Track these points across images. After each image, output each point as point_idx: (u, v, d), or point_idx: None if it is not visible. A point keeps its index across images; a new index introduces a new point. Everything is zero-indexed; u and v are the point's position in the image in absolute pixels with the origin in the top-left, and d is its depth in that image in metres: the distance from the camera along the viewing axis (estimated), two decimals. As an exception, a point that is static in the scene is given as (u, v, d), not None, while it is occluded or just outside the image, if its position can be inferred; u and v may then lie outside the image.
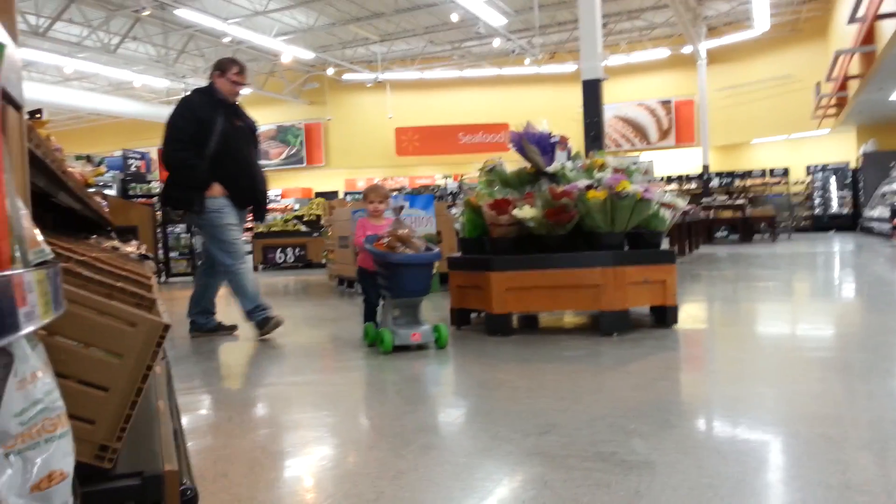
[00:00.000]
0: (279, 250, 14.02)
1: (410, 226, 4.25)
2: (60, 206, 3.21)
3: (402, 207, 4.62)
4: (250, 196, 4.97)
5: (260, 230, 14.71)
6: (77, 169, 3.98)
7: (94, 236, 4.55)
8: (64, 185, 2.60)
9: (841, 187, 21.29)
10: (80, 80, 23.23)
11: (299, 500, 1.89)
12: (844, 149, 21.56)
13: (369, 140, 25.83)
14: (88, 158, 9.21)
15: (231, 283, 4.88)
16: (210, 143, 4.73)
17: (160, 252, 11.39)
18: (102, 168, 7.64)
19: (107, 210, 5.34)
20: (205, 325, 5.01)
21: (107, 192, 10.14)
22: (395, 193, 8.81)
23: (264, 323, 4.78)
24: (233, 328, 5.08)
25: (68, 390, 0.98)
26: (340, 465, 2.16)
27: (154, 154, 27.25)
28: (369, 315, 4.49)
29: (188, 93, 5.12)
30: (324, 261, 11.06)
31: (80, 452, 0.93)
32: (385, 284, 4.09)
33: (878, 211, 15.82)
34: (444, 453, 2.19)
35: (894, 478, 1.82)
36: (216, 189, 4.74)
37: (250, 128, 5.07)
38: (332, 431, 2.54)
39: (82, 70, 20.76)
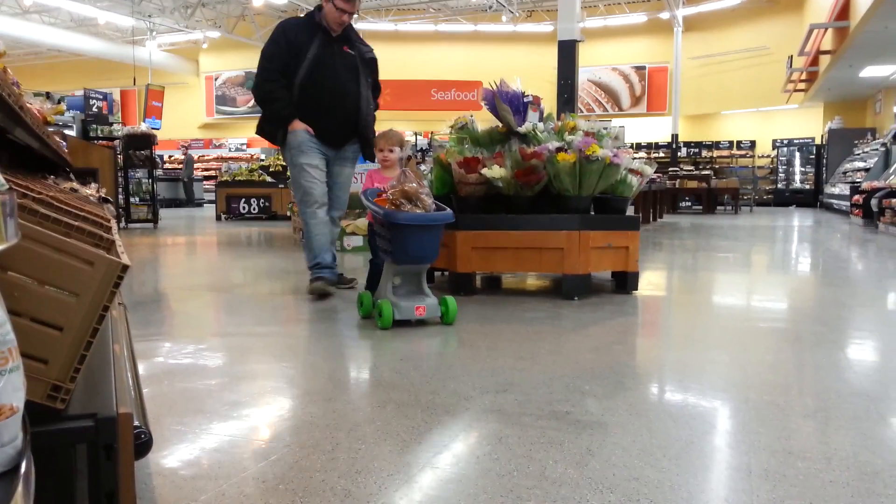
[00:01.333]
0: (243, 200, 13.86)
1: (419, 180, 3.62)
2: (16, 144, 3.11)
3: (409, 158, 4.03)
4: (345, 131, 4.53)
5: (224, 179, 14.49)
6: (35, 105, 3.86)
7: (52, 177, 4.43)
8: (21, 120, 2.51)
9: (805, 163, 21.62)
10: (40, 13, 22.35)
11: (255, 448, 1.90)
12: (811, 125, 21.87)
13: (340, 92, 25.39)
14: (48, 96, 8.93)
15: (303, 230, 4.63)
16: (299, 71, 4.37)
17: (120, 197, 11.17)
18: (62, 107, 7.41)
19: (66, 151, 5.20)
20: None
21: (66, 132, 9.85)
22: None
23: (313, 282, 4.46)
24: (352, 281, 4.78)
25: (21, 328, 0.96)
26: (297, 415, 2.17)
27: (117, 95, 26.44)
28: (373, 281, 3.83)
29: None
30: (289, 213, 10.97)
31: (31, 392, 0.92)
32: (385, 247, 3.53)
33: (839, 188, 16.14)
34: (401, 407, 2.21)
35: (834, 445, 1.89)
36: (297, 124, 4.42)
37: (362, 57, 4.60)
38: (290, 382, 2.55)
39: (42, 3, 19.97)
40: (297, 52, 4.37)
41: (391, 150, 3.99)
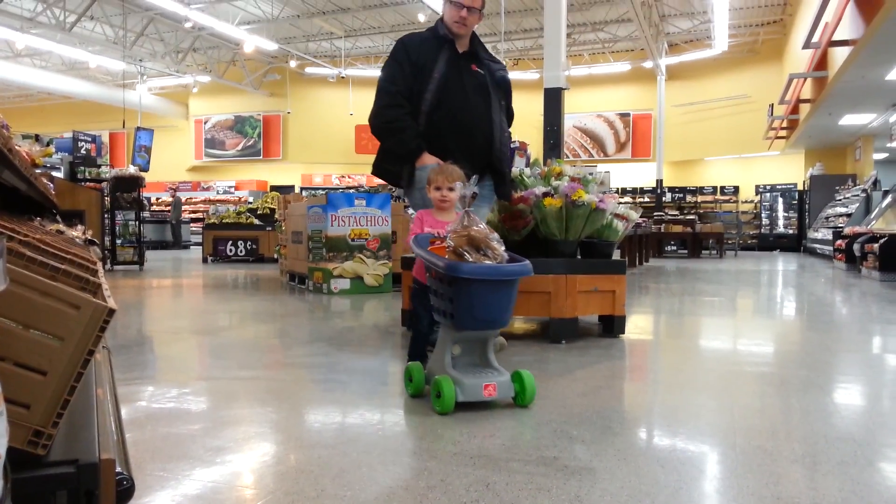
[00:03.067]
0: (230, 242, 13.84)
1: (484, 224, 2.84)
2: (3, 186, 3.11)
3: (474, 195, 2.90)
4: (478, 165, 3.70)
5: (211, 221, 14.49)
6: (24, 148, 3.86)
7: (39, 218, 4.42)
8: (9, 163, 2.52)
9: (787, 208, 21.94)
10: (31, 56, 22.54)
11: (239, 495, 1.86)
12: (793, 170, 22.24)
13: (329, 136, 25.66)
14: (37, 138, 8.95)
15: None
16: (426, 95, 3.74)
17: (107, 239, 11.13)
18: (51, 149, 7.41)
19: (53, 193, 5.19)
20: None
21: (54, 173, 9.85)
22: (351, 190, 8.68)
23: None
24: None
25: (3, 372, 0.96)
26: (282, 461, 2.14)
27: (106, 138, 26.46)
28: (417, 350, 3.20)
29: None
30: (276, 255, 10.95)
31: (12, 437, 0.90)
32: (442, 308, 2.72)
33: (822, 233, 16.34)
34: (387, 453, 2.18)
35: (822, 490, 1.88)
36: (426, 158, 3.69)
37: (493, 76, 3.97)
38: (275, 428, 2.52)
39: (35, 47, 20.15)
40: (421, 71, 3.77)
41: (451, 189, 3.15)
